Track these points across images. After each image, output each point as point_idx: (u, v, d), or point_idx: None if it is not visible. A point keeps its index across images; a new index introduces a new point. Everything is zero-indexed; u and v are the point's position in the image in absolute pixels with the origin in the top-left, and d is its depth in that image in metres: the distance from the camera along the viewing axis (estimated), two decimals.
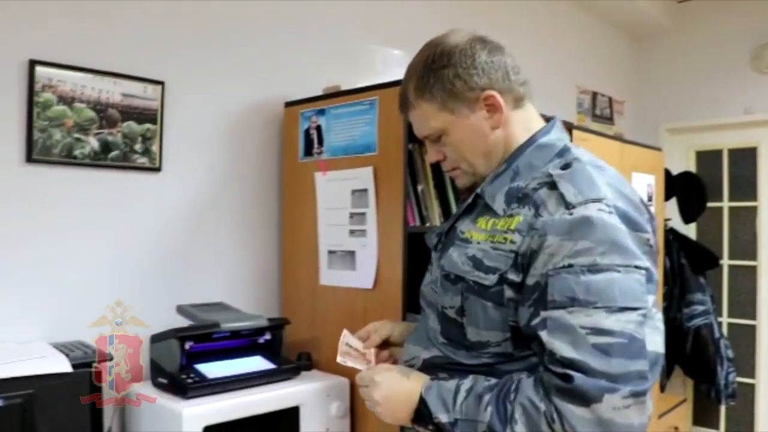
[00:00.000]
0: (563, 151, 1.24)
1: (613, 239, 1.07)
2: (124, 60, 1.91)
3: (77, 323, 1.83)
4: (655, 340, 1.07)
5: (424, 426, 1.19)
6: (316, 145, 2.10)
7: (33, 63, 1.73)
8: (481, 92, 1.23)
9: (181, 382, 1.66)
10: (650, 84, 4.48)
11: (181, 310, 1.86)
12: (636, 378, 1.03)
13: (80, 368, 1.59)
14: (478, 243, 1.20)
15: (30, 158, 1.74)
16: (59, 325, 1.81)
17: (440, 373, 1.24)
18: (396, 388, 1.24)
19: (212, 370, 1.76)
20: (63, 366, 1.54)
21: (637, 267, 1.07)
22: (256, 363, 1.85)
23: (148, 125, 1.95)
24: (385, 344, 1.48)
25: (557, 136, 1.28)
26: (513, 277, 1.13)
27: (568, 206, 1.10)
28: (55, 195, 1.80)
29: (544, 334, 1.07)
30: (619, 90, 4.34)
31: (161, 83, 1.98)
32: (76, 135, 1.81)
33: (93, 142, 1.84)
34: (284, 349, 1.97)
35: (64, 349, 1.66)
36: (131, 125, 1.92)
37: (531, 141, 1.26)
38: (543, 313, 1.08)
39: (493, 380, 1.15)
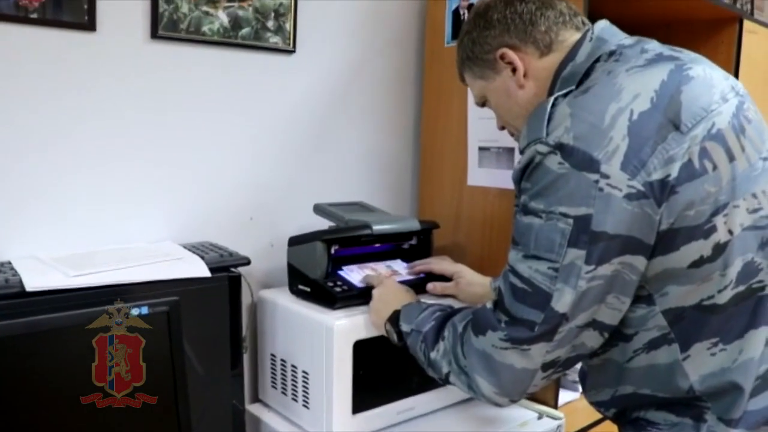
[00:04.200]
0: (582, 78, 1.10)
1: (542, 183, 1.00)
2: None
3: (205, 222, 1.66)
4: (565, 300, 0.98)
5: (392, 333, 1.32)
6: None
7: None
8: (496, 52, 1.20)
9: (329, 291, 1.47)
10: None
11: (320, 209, 1.65)
12: (523, 326, 1.02)
13: (218, 272, 1.42)
14: None
15: (155, 34, 1.52)
16: (187, 224, 1.63)
17: None
18: (393, 294, 1.41)
19: (357, 277, 1.56)
20: (202, 270, 1.38)
21: (562, 214, 0.97)
22: (401, 271, 1.65)
23: None
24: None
25: (576, 68, 1.11)
26: None
27: (521, 151, 1.06)
28: (182, 77, 1.59)
29: None
30: None
31: None
32: (205, 8, 1.58)
33: (222, 17, 1.61)
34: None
35: (196, 251, 1.49)
36: None
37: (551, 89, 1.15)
38: None
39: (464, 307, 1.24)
